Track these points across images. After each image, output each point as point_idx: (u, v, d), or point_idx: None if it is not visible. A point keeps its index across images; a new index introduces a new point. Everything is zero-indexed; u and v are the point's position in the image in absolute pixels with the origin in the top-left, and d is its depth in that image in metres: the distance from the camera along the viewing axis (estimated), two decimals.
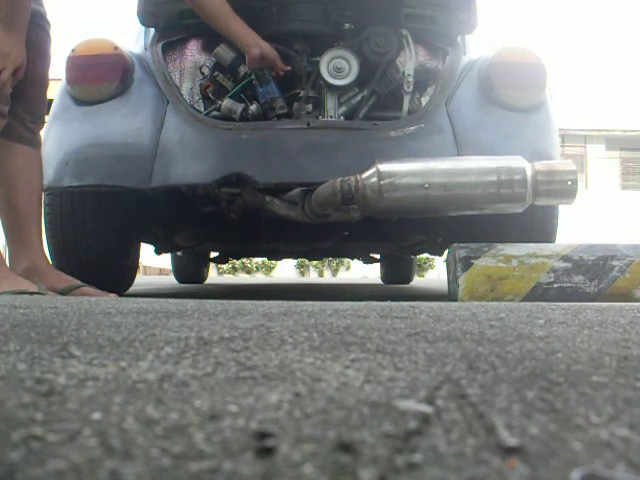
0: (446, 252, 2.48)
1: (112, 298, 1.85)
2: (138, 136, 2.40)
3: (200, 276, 6.32)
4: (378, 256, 5.36)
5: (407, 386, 0.56)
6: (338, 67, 2.53)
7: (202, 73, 2.71)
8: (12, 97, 2.09)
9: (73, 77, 2.52)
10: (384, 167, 2.19)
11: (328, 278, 18.35)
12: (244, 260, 18.37)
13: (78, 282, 2.12)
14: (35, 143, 2.21)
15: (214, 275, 17.52)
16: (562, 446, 0.40)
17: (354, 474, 0.35)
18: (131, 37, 2.93)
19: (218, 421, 0.44)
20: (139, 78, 2.56)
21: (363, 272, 17.17)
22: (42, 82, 2.23)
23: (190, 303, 1.40)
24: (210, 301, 1.51)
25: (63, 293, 2.02)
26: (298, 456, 0.37)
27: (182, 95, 2.57)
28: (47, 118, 2.42)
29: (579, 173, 18.98)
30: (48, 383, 0.54)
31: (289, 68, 2.51)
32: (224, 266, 18.92)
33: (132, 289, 3.40)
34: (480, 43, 2.85)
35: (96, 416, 0.44)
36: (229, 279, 12.69)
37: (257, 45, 2.43)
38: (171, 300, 1.57)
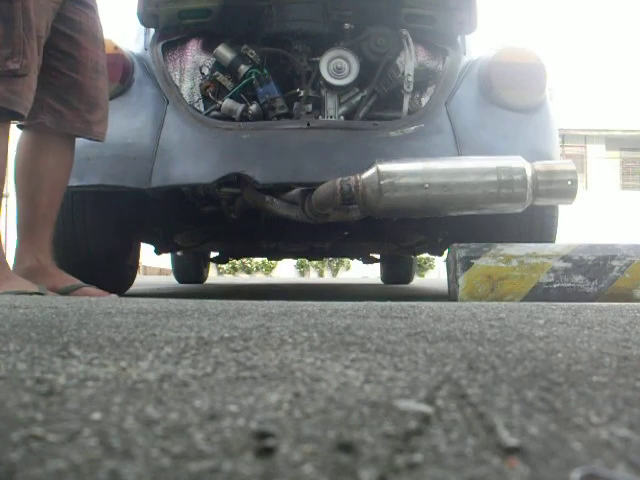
0: (446, 252, 2.49)
1: (112, 298, 1.84)
2: (138, 136, 2.41)
3: (200, 276, 6.32)
4: (378, 256, 5.36)
5: (407, 386, 0.56)
6: (338, 67, 2.53)
7: (202, 73, 2.71)
8: (63, 86, 2.02)
9: None
10: (384, 167, 2.19)
11: (328, 278, 18.35)
12: (244, 260, 18.37)
13: (79, 282, 2.10)
14: (91, 133, 2.11)
15: (214, 275, 17.51)
16: (562, 446, 0.40)
17: (354, 474, 0.35)
18: (131, 37, 2.93)
19: (218, 421, 0.44)
20: (139, 78, 2.56)
21: (363, 272, 17.17)
22: (95, 67, 2.11)
23: (190, 303, 1.40)
24: (210, 301, 1.51)
25: (64, 293, 2.01)
26: (298, 456, 0.37)
27: (182, 95, 2.57)
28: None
29: (579, 173, 18.94)
30: (48, 383, 0.54)
31: None
32: (224, 266, 18.91)
33: (132, 289, 3.40)
34: (480, 43, 2.85)
35: (96, 416, 0.44)
36: (229, 279, 12.69)
37: None
38: (171, 300, 1.57)
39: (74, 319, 1.03)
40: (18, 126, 2.13)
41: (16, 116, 1.86)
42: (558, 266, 2.20)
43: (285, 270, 19.75)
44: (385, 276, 7.25)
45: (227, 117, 2.55)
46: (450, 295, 2.30)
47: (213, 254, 5.15)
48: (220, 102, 2.58)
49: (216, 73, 2.64)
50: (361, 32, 2.60)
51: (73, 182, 2.41)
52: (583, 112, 21.24)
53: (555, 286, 2.19)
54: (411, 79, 2.53)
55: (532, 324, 1.05)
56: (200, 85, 2.69)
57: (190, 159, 2.37)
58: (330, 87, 2.56)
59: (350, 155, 2.35)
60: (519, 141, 2.46)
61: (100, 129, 2.13)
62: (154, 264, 14.03)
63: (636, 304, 1.69)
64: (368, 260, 5.20)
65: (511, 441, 0.40)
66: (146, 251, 3.87)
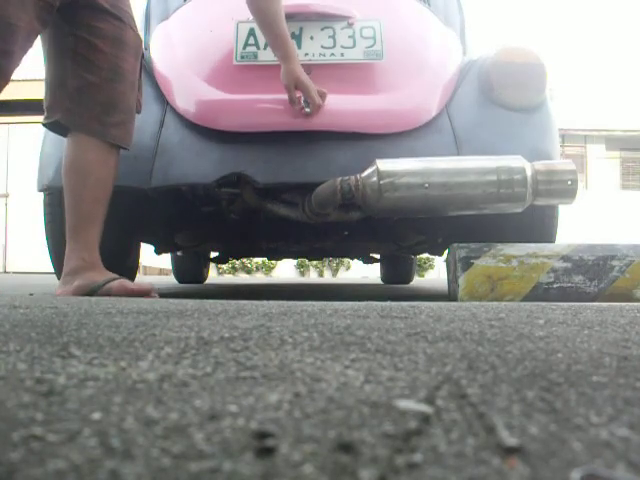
0: (446, 252, 2.48)
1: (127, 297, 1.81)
2: (138, 136, 2.40)
3: (200, 276, 6.32)
4: (378, 256, 5.36)
5: (407, 386, 0.56)
6: None
7: None
8: (77, 87, 2.04)
9: None
10: (384, 167, 2.19)
11: (328, 278, 18.34)
12: (244, 260, 18.36)
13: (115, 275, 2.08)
14: (107, 135, 2.09)
15: (214, 275, 17.51)
16: (562, 446, 0.40)
17: (354, 474, 0.35)
18: None
19: (218, 421, 0.44)
20: None
21: (363, 272, 17.17)
22: (114, 70, 2.09)
23: (190, 303, 1.40)
24: (210, 301, 1.51)
25: (101, 286, 1.99)
26: (298, 456, 0.37)
27: None
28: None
29: (579, 173, 18.96)
30: (48, 383, 0.55)
31: (321, 104, 2.33)
32: (224, 266, 18.90)
33: None
34: (480, 43, 2.85)
35: (96, 416, 0.44)
36: (229, 279, 12.69)
37: (291, 74, 2.31)
38: (171, 300, 1.57)
39: (74, 319, 1.03)
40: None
41: None
42: (558, 266, 2.20)
43: (285, 270, 19.75)
44: (385, 276, 7.25)
45: None
46: (450, 295, 2.30)
47: (213, 254, 5.14)
48: None
49: None
50: None
51: None
52: (583, 112, 21.23)
53: (555, 286, 2.19)
54: None
55: (532, 324, 1.05)
56: None
57: (190, 159, 2.37)
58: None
59: (350, 155, 2.35)
60: (519, 141, 2.46)
61: (118, 132, 2.12)
62: (154, 264, 14.03)
63: (636, 304, 1.69)
64: (368, 260, 5.20)
65: (511, 441, 0.40)
66: (146, 251, 3.87)
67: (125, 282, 2.04)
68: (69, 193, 2.11)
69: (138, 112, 2.23)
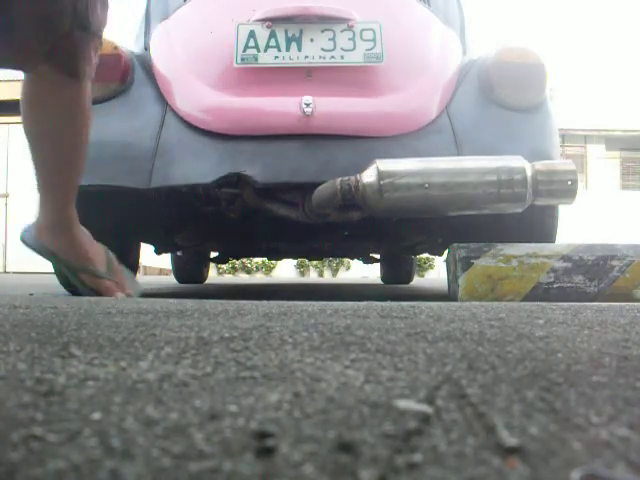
0: (446, 252, 2.48)
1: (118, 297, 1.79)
2: (138, 136, 2.40)
3: (200, 276, 6.32)
4: (378, 256, 5.36)
5: (407, 386, 0.56)
6: None
7: None
8: None
9: None
10: (384, 167, 2.19)
11: (328, 278, 18.33)
12: (244, 260, 18.35)
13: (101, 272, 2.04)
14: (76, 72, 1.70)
15: (214, 275, 17.50)
16: (562, 446, 0.40)
17: (354, 474, 0.35)
18: (131, 37, 2.93)
19: (218, 421, 0.44)
20: (139, 78, 2.56)
21: (363, 272, 17.16)
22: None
23: (190, 303, 1.40)
24: (210, 301, 1.51)
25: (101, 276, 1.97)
26: (298, 456, 0.37)
27: None
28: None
29: (579, 173, 18.93)
30: (48, 383, 0.55)
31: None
32: (224, 266, 18.89)
33: None
34: (480, 43, 2.85)
35: (96, 416, 0.44)
36: (229, 279, 12.69)
37: None
38: (171, 300, 1.57)
39: (74, 319, 1.03)
40: None
41: None
42: (558, 266, 2.20)
43: (285, 270, 19.74)
44: (385, 276, 7.24)
45: None
46: (450, 295, 2.30)
47: (213, 254, 5.14)
48: None
49: None
50: None
51: None
52: (583, 112, 21.22)
53: (555, 286, 2.19)
54: None
55: (532, 324, 1.05)
56: None
57: (190, 159, 2.37)
58: None
59: (350, 155, 2.35)
60: (519, 141, 2.46)
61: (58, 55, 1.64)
62: (154, 264, 14.03)
63: (636, 304, 1.69)
64: (368, 260, 5.20)
65: (511, 441, 0.40)
66: (146, 251, 3.87)
67: (114, 288, 1.99)
68: (33, 153, 1.85)
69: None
